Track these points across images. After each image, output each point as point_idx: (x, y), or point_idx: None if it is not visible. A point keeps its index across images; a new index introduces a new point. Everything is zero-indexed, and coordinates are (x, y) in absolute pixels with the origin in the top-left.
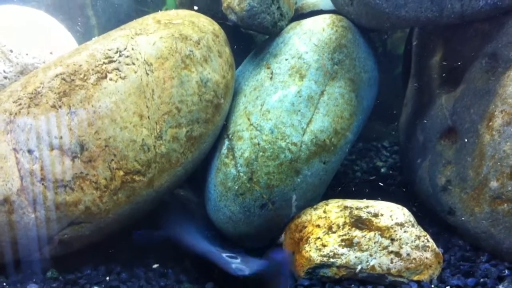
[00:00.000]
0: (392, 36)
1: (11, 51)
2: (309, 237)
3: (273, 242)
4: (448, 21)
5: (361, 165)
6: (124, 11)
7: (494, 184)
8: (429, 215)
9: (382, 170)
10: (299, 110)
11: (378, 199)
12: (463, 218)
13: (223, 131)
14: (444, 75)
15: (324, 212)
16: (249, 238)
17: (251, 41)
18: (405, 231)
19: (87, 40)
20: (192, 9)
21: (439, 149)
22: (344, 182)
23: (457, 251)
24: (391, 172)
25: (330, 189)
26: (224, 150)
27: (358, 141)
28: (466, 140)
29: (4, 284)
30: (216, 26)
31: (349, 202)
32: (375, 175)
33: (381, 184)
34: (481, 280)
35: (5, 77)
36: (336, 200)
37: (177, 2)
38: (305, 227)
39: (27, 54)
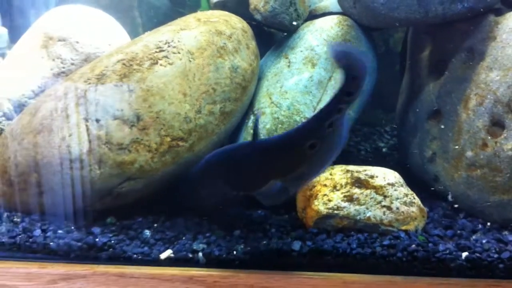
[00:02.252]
0: (394, 36)
1: (77, 42)
2: (317, 194)
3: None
4: (433, 21)
5: (365, 146)
6: (163, 12)
7: (469, 154)
8: (419, 183)
9: (383, 150)
10: (311, 92)
11: None
12: (445, 183)
13: (249, 108)
14: (432, 66)
15: (330, 174)
16: (268, 197)
17: (272, 38)
18: (395, 190)
19: (134, 35)
20: (224, 10)
21: (427, 128)
22: (350, 160)
23: (440, 210)
24: (391, 151)
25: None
26: (250, 123)
27: (363, 126)
28: (448, 118)
29: (72, 227)
30: (245, 24)
31: (351, 167)
32: (377, 154)
33: (381, 160)
34: (458, 232)
35: (72, 64)
36: (340, 165)
37: (211, 4)
38: (315, 186)
39: (90, 45)
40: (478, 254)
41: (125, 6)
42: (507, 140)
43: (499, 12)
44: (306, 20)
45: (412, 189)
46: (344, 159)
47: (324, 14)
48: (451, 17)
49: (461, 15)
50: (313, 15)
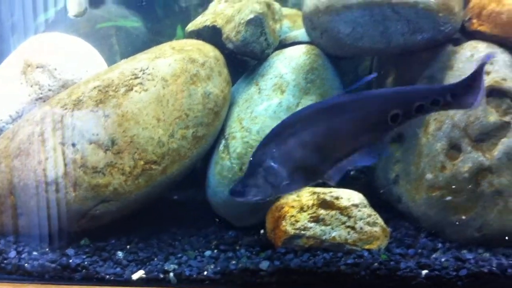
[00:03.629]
0: (362, 64)
1: (55, 69)
2: (285, 215)
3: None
4: (395, 51)
5: None
6: (141, 40)
7: (429, 176)
8: (384, 204)
9: (351, 173)
10: (280, 117)
11: None
12: (408, 204)
13: (221, 133)
14: None
15: (298, 196)
16: (242, 218)
17: (245, 65)
18: (359, 210)
19: (111, 62)
20: (199, 39)
21: (391, 151)
22: (320, 184)
23: (403, 230)
24: (358, 174)
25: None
26: (221, 147)
27: None
28: (410, 142)
29: (47, 249)
30: (217, 52)
31: (318, 189)
32: (346, 177)
33: (350, 183)
34: (419, 250)
35: (50, 90)
36: (308, 188)
37: (186, 33)
38: (283, 207)
39: (67, 72)
40: (437, 272)
41: (103, 34)
42: (464, 163)
43: (457, 42)
44: (277, 49)
45: (378, 210)
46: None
47: (294, 43)
48: (411, 47)
49: (421, 45)
50: (284, 44)
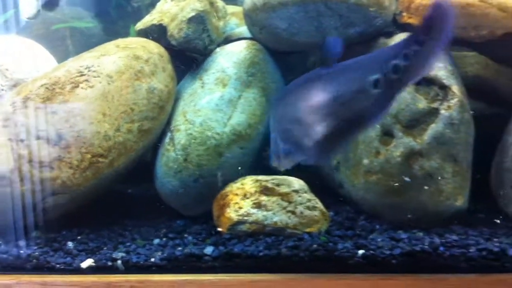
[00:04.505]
0: (310, 58)
1: (7, 69)
2: (230, 202)
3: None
4: None
5: None
6: (96, 40)
7: (365, 161)
8: (329, 190)
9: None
10: (222, 109)
11: None
12: (348, 189)
13: (166, 126)
14: None
15: (242, 184)
16: (189, 207)
17: (195, 62)
18: (299, 196)
19: None
20: (147, 37)
21: None
22: (272, 173)
23: (344, 214)
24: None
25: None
26: (167, 139)
27: None
28: None
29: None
30: (162, 49)
31: (260, 177)
32: (298, 166)
33: (302, 171)
34: (357, 232)
35: (2, 89)
36: (252, 176)
37: (135, 33)
38: (227, 195)
39: (19, 72)
40: (372, 251)
41: (59, 36)
42: (396, 148)
43: (390, 35)
44: (225, 44)
45: (323, 195)
46: (267, 172)
47: (239, 39)
48: (345, 41)
49: (354, 39)
50: (230, 40)
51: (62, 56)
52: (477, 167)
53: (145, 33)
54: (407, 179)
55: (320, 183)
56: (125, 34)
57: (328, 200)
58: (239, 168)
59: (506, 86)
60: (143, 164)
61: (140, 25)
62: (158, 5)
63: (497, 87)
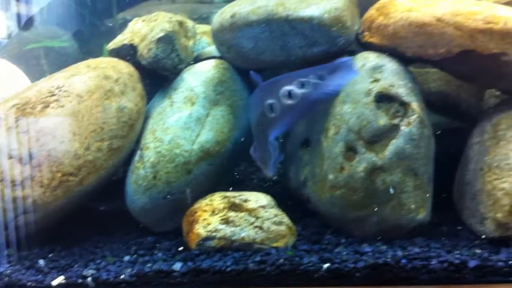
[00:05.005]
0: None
1: None
2: (198, 218)
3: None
4: (295, 63)
5: (257, 175)
6: (72, 60)
7: (331, 176)
8: (298, 204)
9: (274, 178)
10: (190, 127)
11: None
12: (315, 204)
13: (136, 144)
14: None
15: (210, 200)
16: (159, 224)
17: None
18: (266, 211)
19: None
20: (118, 57)
21: (300, 155)
22: (242, 188)
23: (312, 228)
24: (280, 179)
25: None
26: (137, 157)
27: None
28: (314, 146)
29: None
30: (131, 69)
31: (229, 193)
32: (267, 181)
33: (270, 187)
34: (323, 246)
35: None
36: (220, 192)
37: (108, 52)
38: (196, 212)
39: None
40: (337, 265)
41: (34, 55)
42: (359, 163)
43: (353, 53)
44: (196, 62)
45: (292, 210)
46: (237, 187)
47: (208, 58)
48: (310, 59)
49: (319, 57)
50: (200, 59)
51: (37, 75)
52: (441, 180)
53: (117, 52)
54: (392, 190)
55: (290, 198)
56: (99, 53)
57: (297, 214)
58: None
59: (468, 101)
60: (115, 181)
61: (112, 44)
62: (130, 25)
63: (459, 102)
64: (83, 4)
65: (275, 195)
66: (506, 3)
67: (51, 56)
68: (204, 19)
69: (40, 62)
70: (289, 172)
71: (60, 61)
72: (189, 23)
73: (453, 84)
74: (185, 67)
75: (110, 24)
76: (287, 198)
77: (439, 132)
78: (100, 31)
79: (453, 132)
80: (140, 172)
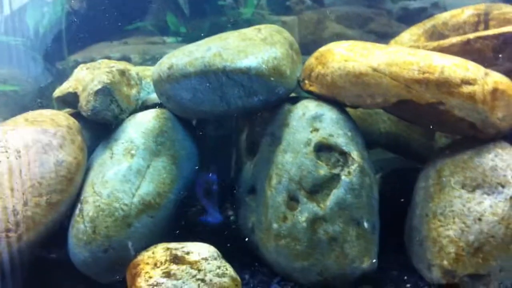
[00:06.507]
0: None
1: None
2: (141, 272)
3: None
4: (236, 112)
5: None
6: (27, 101)
7: (275, 225)
8: (248, 252)
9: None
10: (130, 180)
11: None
12: (262, 252)
13: (77, 198)
14: (248, 148)
15: (153, 253)
16: (102, 276)
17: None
18: (208, 263)
19: None
20: (64, 104)
21: (247, 202)
22: (197, 236)
23: (259, 276)
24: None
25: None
26: (77, 211)
27: None
28: (260, 194)
29: None
30: (71, 121)
31: (171, 245)
32: (224, 229)
33: (225, 235)
34: None
35: None
36: (163, 244)
37: (54, 100)
38: (139, 265)
39: None
40: None
41: None
42: (301, 213)
43: (295, 101)
44: (142, 109)
45: (243, 255)
46: (193, 235)
47: (153, 106)
48: (250, 108)
49: (259, 106)
50: (145, 106)
51: None
52: (395, 221)
53: (62, 100)
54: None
55: (240, 245)
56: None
57: (247, 260)
58: None
59: (419, 141)
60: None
61: (57, 92)
62: (75, 72)
63: (409, 142)
64: (35, 48)
65: (228, 240)
66: (434, 48)
67: (9, 97)
68: (156, 60)
69: None
70: (239, 218)
71: (18, 101)
72: (133, 71)
73: (403, 124)
74: (128, 116)
75: (61, 67)
76: (239, 245)
77: (394, 171)
78: (52, 74)
79: (410, 171)
80: (80, 226)
